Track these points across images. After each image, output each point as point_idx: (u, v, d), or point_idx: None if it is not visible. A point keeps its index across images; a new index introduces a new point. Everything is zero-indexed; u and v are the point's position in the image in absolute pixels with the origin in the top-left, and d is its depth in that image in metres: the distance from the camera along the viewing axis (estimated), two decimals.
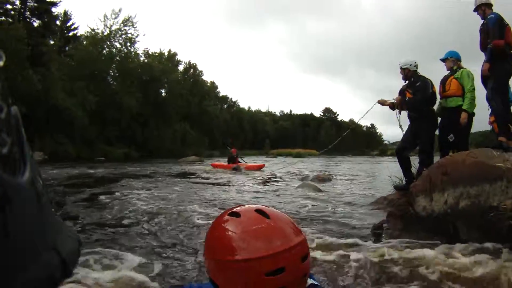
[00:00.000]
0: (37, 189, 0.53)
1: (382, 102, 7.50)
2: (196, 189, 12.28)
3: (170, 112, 53.39)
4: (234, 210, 1.14)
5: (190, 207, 8.22)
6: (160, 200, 9.23)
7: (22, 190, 0.48)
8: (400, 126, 7.41)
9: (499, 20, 6.01)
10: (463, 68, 6.84)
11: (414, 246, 4.78)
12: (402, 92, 7.32)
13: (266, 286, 1.00)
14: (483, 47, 6.21)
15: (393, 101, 7.36)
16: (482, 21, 6.34)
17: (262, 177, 17.89)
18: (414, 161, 7.27)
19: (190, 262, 4.66)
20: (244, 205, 1.18)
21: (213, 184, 14.39)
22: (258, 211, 1.10)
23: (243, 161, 23.63)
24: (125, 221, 6.96)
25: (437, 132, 7.14)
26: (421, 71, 7.22)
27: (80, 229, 6.20)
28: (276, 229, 1.05)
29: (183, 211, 7.83)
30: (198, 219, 7.02)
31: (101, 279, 3.91)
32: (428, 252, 4.42)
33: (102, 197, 9.72)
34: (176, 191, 11.48)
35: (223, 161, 25.11)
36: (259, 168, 22.51)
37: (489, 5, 6.30)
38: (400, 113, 7.37)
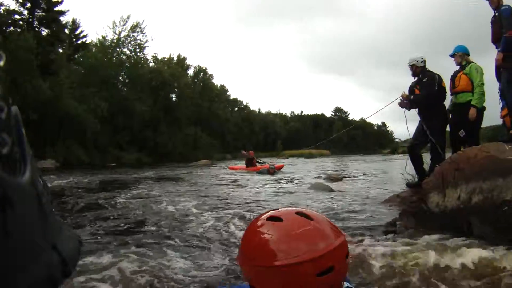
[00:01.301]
0: (38, 189, 0.53)
1: (404, 96, 7.37)
2: (210, 191, 12.32)
3: (180, 117, 53.55)
4: (273, 214, 1.12)
5: (205, 210, 8.29)
6: (175, 204, 9.26)
7: (22, 190, 0.48)
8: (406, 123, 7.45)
9: None
10: (472, 62, 6.80)
11: (428, 242, 4.75)
12: (411, 89, 7.29)
13: (318, 287, 1.00)
14: (495, 39, 6.15)
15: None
16: (493, 13, 6.28)
17: (275, 178, 17.92)
18: (426, 158, 7.24)
19: (213, 264, 4.69)
20: (278, 209, 1.16)
21: (226, 186, 14.44)
22: (300, 213, 1.10)
23: (260, 162, 23.34)
24: (148, 225, 7.01)
25: (448, 128, 7.10)
26: (433, 67, 7.19)
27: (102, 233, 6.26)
28: (322, 229, 1.06)
29: (200, 213, 7.88)
30: (215, 222, 7.06)
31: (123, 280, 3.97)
32: (441, 248, 4.39)
33: (118, 202, 9.77)
34: (192, 194, 11.53)
35: (239, 164, 25.44)
36: (280, 168, 22.31)
37: None
38: (409, 109, 7.35)
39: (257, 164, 22.63)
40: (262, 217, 1.13)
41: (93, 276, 4.05)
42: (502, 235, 4.20)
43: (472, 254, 4.10)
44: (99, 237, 6.01)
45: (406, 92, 7.36)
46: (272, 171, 20.08)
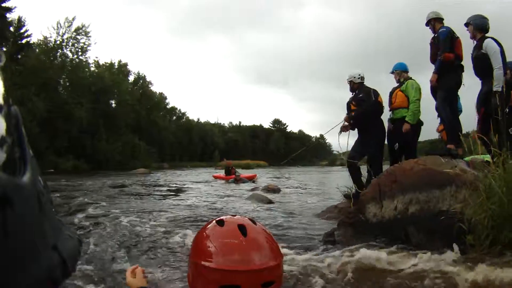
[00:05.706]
0: (38, 189, 0.54)
1: (347, 119, 7.53)
2: (146, 200, 12.08)
3: (120, 124, 52.37)
4: (223, 218, 1.18)
5: (146, 218, 8.09)
6: (125, 213, 8.98)
7: (22, 190, 0.48)
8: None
9: (450, 33, 6.24)
10: (409, 79, 7.06)
11: (365, 252, 4.82)
12: (348, 105, 7.48)
13: None
14: (433, 59, 6.41)
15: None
16: (433, 35, 6.55)
17: (211, 187, 17.84)
18: (364, 170, 7.39)
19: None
20: (235, 215, 1.23)
21: (166, 195, 14.23)
22: (241, 226, 1.13)
23: (238, 173, 23.84)
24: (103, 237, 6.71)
25: (386, 142, 7.32)
26: (372, 83, 7.40)
27: None
28: (246, 249, 1.07)
29: (144, 222, 7.71)
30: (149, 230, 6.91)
31: None
32: (379, 257, 4.48)
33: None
34: (141, 204, 11.26)
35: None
36: (252, 178, 23.46)
37: (439, 20, 6.54)
38: (353, 129, 7.52)
39: (235, 173, 23.22)
40: (215, 219, 1.20)
41: None
42: (438, 243, 4.37)
43: (409, 261, 4.22)
44: None
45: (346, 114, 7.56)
46: (239, 180, 21.30)
